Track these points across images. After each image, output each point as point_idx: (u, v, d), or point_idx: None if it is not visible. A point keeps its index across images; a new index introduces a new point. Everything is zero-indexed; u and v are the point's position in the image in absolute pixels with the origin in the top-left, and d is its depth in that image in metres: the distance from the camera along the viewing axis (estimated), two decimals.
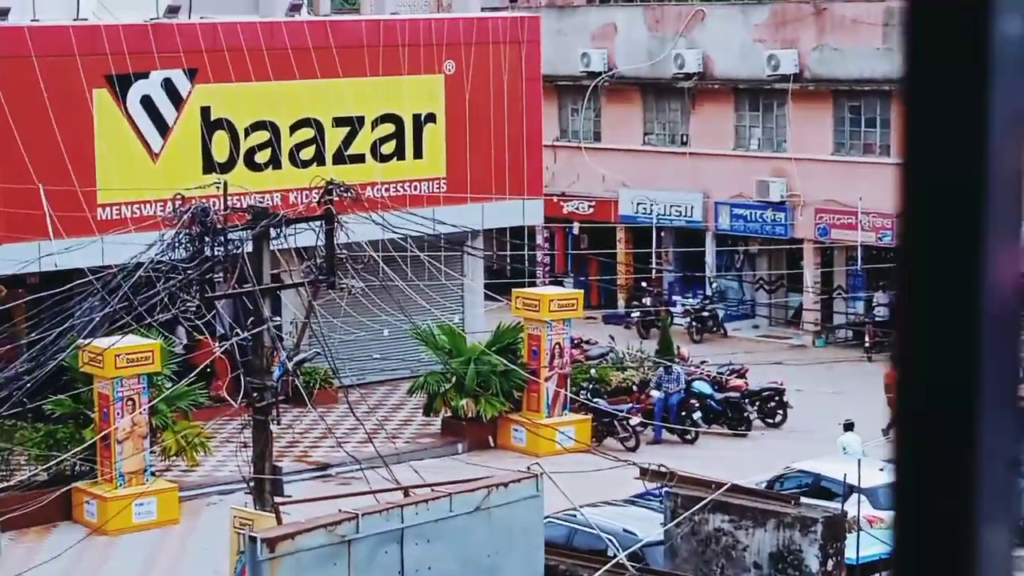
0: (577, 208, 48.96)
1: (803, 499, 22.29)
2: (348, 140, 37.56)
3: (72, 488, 28.77)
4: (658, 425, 34.11)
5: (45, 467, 28.62)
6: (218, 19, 35.90)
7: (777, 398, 35.75)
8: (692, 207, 46.50)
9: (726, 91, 45.81)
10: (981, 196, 1.94)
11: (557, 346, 34.24)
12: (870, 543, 21.81)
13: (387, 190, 37.47)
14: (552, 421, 33.44)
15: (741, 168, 45.21)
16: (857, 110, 43.20)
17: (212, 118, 35.61)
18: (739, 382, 35.86)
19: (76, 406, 29.35)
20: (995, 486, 1.97)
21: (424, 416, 35.13)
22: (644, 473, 22.46)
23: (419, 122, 38.59)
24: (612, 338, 40.49)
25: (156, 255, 23.90)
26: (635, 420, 33.87)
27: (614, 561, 21.19)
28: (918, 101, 1.99)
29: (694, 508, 21.29)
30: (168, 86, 34.91)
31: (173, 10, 35.24)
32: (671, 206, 46.94)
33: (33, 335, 28.45)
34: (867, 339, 42.49)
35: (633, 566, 20.88)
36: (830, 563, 20.78)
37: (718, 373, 36.33)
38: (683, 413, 34.46)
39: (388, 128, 38.15)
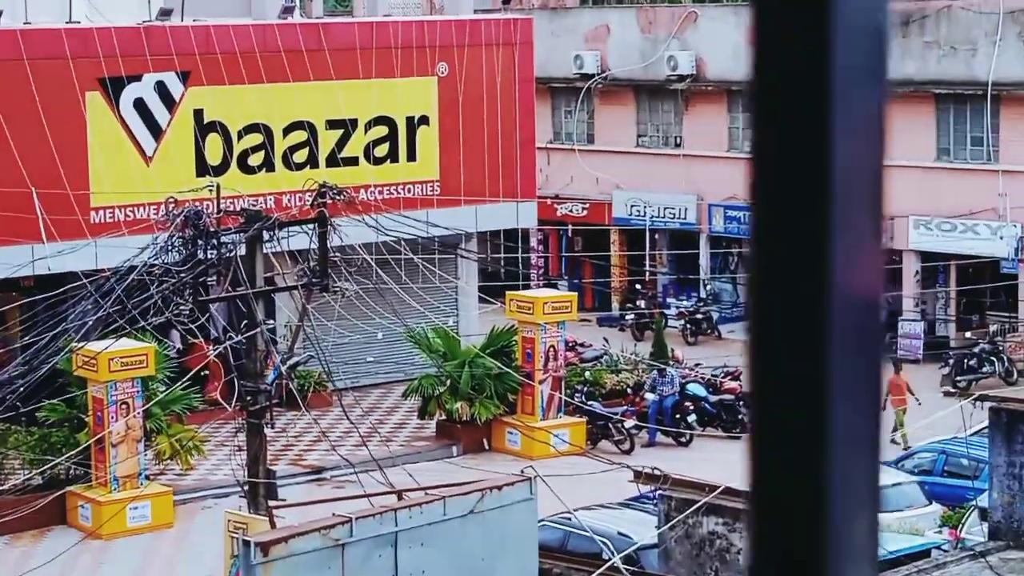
0: (571, 210, 48.94)
1: None
2: (341, 143, 37.51)
3: (66, 492, 28.72)
4: (653, 428, 34.08)
5: (39, 471, 28.60)
6: (211, 22, 35.85)
7: None
8: (686, 209, 46.50)
9: (719, 93, 45.82)
10: (826, 191, 1.90)
11: (551, 349, 34.23)
12: None
13: (380, 193, 37.43)
14: (547, 424, 33.40)
15: (735, 170, 45.19)
16: None
17: (205, 121, 35.57)
18: (733, 384, 35.83)
19: (70, 410, 29.30)
20: (848, 478, 1.95)
21: (419, 419, 35.10)
22: (638, 476, 22.45)
23: (412, 124, 38.56)
24: (606, 341, 40.48)
25: (149, 258, 23.86)
26: (630, 423, 33.86)
27: (608, 564, 21.17)
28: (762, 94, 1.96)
29: (688, 511, 21.27)
30: (161, 89, 34.86)
31: (165, 13, 35.19)
32: (665, 208, 46.94)
33: (27, 339, 28.40)
34: None
35: (628, 569, 20.86)
36: None
37: (712, 375, 36.31)
38: (677, 416, 34.44)
39: (381, 130, 38.11)
